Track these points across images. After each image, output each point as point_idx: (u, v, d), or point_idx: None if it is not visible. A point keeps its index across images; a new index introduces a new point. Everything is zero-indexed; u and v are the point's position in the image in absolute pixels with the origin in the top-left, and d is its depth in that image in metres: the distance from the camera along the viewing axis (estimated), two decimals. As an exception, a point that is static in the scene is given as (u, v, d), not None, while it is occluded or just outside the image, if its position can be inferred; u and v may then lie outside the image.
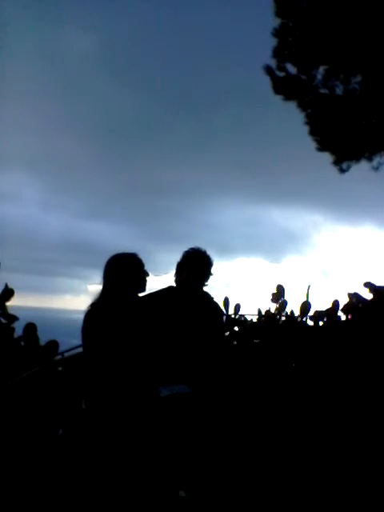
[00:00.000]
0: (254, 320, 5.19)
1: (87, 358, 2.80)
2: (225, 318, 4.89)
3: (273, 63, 8.09)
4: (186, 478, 3.08)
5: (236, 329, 5.06)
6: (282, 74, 8.11)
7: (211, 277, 3.25)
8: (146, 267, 2.89)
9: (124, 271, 2.79)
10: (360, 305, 5.20)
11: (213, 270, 3.25)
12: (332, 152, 8.28)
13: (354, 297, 5.23)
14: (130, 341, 2.72)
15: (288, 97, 8.11)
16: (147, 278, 2.90)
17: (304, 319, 5.13)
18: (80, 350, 3.28)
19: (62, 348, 4.48)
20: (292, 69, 8.08)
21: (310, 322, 5.15)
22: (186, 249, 3.27)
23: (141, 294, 2.92)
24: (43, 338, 4.41)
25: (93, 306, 2.79)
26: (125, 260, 2.83)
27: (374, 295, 5.19)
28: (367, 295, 5.25)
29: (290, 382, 4.64)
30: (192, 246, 3.26)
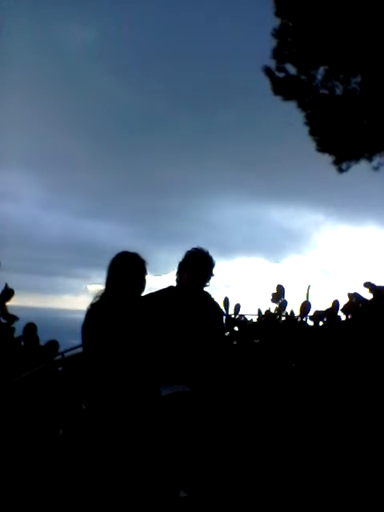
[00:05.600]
0: (254, 320, 5.18)
1: (87, 358, 2.80)
2: (225, 317, 4.89)
3: (272, 64, 8.09)
4: (186, 478, 3.08)
5: (236, 329, 5.06)
6: (281, 75, 8.11)
7: (212, 277, 3.26)
8: (146, 267, 2.89)
9: (128, 270, 2.79)
10: (360, 305, 5.20)
11: (214, 271, 3.25)
12: (332, 152, 8.28)
13: (354, 297, 5.22)
14: (130, 341, 2.72)
15: (288, 97, 8.11)
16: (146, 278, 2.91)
17: (304, 319, 5.13)
18: (80, 350, 3.28)
19: (62, 348, 4.48)
20: (292, 69, 8.08)
21: (310, 322, 5.15)
22: (185, 248, 3.27)
23: (141, 294, 2.92)
24: (43, 338, 4.41)
25: (93, 305, 2.79)
26: (129, 259, 2.82)
27: (374, 295, 5.19)
28: (367, 295, 5.25)
29: (290, 381, 4.64)
30: (194, 246, 3.26)
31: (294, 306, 5.19)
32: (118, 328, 2.71)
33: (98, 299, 2.81)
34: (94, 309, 2.78)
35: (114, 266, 2.82)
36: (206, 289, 3.28)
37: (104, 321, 2.72)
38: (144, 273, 2.85)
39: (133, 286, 2.82)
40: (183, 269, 3.22)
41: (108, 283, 2.82)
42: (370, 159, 8.23)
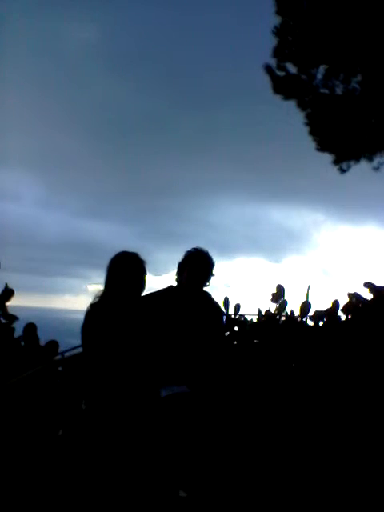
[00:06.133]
0: (254, 320, 5.19)
1: (87, 358, 2.80)
2: (225, 317, 4.89)
3: (273, 62, 8.08)
4: (186, 478, 3.08)
5: (236, 329, 5.06)
6: (281, 74, 8.10)
7: (212, 278, 3.25)
8: (146, 267, 2.88)
9: (128, 270, 2.79)
10: (360, 305, 5.20)
11: (214, 271, 3.25)
12: (332, 152, 8.27)
13: (354, 297, 5.23)
14: (129, 341, 2.71)
15: (288, 96, 8.09)
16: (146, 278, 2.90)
17: (304, 319, 5.13)
18: (80, 350, 3.28)
19: (62, 348, 4.48)
20: (292, 68, 8.07)
21: (310, 322, 5.15)
22: (185, 248, 3.27)
23: (141, 294, 2.92)
24: (43, 338, 4.41)
25: (93, 305, 2.79)
26: (129, 259, 2.82)
27: (374, 295, 5.19)
28: (367, 295, 5.25)
29: (290, 381, 4.64)
30: (194, 246, 3.25)
31: (294, 306, 5.20)
32: (118, 328, 2.70)
33: (97, 299, 2.80)
34: (93, 309, 2.78)
35: (113, 266, 2.81)
36: (205, 289, 3.27)
37: (104, 321, 2.72)
38: (144, 273, 2.84)
39: (132, 286, 2.81)
40: (183, 269, 3.22)
41: (108, 283, 2.81)
42: (370, 159, 8.22)
